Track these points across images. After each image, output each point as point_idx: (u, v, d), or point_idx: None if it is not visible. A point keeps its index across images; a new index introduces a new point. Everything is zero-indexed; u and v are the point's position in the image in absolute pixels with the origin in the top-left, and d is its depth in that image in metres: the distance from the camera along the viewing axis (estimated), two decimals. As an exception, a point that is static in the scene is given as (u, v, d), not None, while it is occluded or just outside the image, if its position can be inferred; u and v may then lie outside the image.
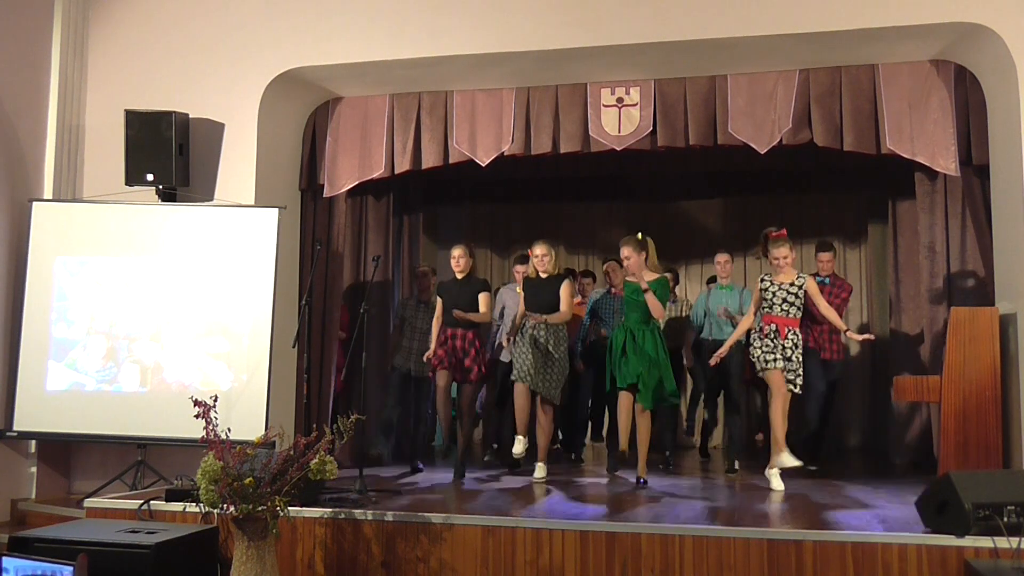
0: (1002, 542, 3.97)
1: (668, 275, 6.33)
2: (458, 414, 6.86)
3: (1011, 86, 5.77)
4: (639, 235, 6.04)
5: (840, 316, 6.51)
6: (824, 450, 7.07)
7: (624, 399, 5.98)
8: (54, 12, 6.77)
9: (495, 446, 7.94)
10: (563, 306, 6.19)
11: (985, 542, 4.01)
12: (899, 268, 7.14)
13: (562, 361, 6.21)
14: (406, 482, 6.17)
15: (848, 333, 5.90)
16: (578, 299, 7.14)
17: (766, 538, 4.26)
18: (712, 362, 6.06)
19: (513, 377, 6.23)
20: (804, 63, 6.46)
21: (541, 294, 6.24)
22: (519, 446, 6.23)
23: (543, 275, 6.28)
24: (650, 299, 5.84)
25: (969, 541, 4.04)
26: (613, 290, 6.92)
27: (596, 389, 7.16)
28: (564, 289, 6.23)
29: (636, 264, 5.95)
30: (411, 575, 4.60)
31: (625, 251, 6.00)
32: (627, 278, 6.03)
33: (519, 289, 6.78)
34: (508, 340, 6.46)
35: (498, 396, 7.54)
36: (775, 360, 5.67)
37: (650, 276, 5.96)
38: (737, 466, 6.70)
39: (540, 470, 6.22)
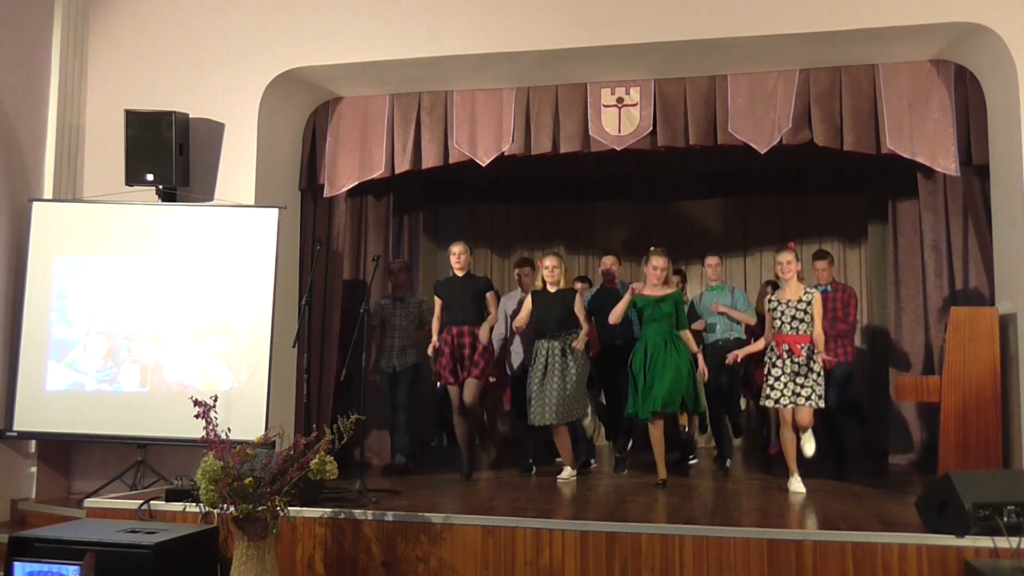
0: (1002, 542, 3.98)
1: (676, 277, 6.33)
2: (460, 411, 6.76)
3: (1011, 86, 5.77)
4: (662, 249, 6.13)
5: (853, 324, 6.57)
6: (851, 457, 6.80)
7: (654, 428, 5.92)
8: (54, 12, 6.78)
9: (531, 462, 6.71)
10: (584, 323, 6.11)
11: (985, 542, 4.02)
12: (899, 268, 7.14)
13: (580, 368, 6.07)
14: (409, 481, 6.15)
15: (819, 355, 5.63)
16: None
17: (766, 538, 4.26)
18: (728, 361, 6.05)
19: (534, 422, 6.07)
20: (804, 63, 6.46)
21: (552, 309, 6.14)
22: (567, 473, 6.19)
23: (551, 288, 6.18)
24: (688, 338, 5.99)
25: (969, 541, 4.04)
26: (609, 285, 6.80)
27: (608, 394, 6.96)
28: (578, 304, 6.14)
29: (666, 276, 6.04)
30: (411, 575, 4.60)
31: (662, 262, 6.03)
32: (643, 292, 5.98)
33: (521, 295, 6.70)
34: (517, 331, 6.34)
35: (516, 410, 6.98)
36: (781, 397, 5.59)
37: (667, 290, 6.01)
38: (729, 463, 6.72)
39: (567, 472, 6.17)
